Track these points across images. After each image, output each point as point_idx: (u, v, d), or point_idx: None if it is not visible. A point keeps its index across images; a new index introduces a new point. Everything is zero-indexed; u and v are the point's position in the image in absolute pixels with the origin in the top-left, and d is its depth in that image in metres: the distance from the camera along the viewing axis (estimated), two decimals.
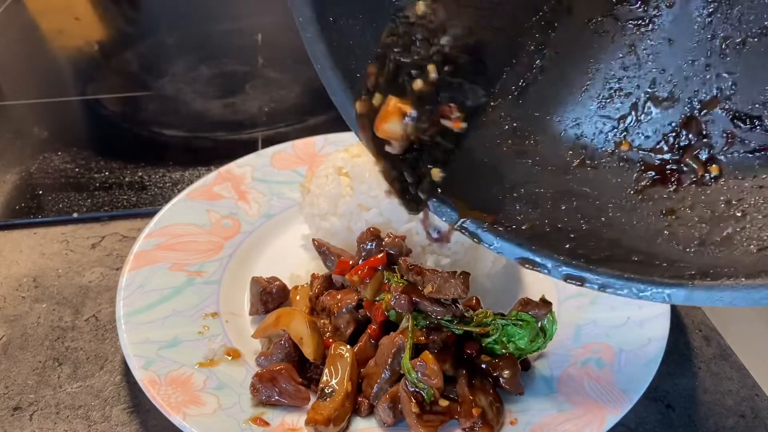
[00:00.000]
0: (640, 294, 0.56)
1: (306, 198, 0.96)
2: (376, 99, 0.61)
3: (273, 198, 1.03)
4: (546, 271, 0.59)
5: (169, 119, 1.38)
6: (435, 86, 0.60)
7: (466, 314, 0.75)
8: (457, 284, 0.71)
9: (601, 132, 0.68)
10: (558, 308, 0.80)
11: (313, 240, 0.89)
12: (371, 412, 0.72)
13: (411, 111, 0.59)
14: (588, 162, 0.67)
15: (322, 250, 0.88)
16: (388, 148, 0.60)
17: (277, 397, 0.72)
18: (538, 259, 0.59)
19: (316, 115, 1.37)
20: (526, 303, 0.75)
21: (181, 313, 0.83)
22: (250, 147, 1.17)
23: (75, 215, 1.08)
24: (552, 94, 0.69)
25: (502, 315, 0.75)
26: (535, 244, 0.60)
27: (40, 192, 1.14)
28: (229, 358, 0.78)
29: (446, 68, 0.60)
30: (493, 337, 0.73)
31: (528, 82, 0.70)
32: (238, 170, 1.05)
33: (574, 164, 0.67)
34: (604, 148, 0.68)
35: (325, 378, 0.73)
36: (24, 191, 1.15)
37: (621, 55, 0.67)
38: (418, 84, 0.59)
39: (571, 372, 0.75)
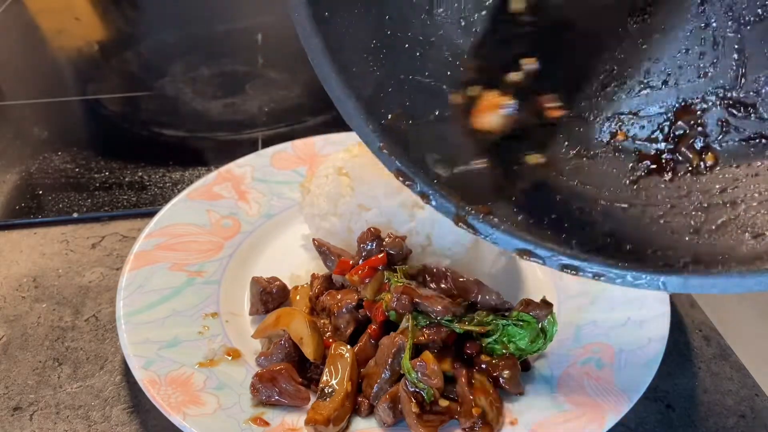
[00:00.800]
0: (636, 282, 0.56)
1: (306, 198, 0.96)
2: (473, 91, 0.61)
3: (273, 198, 1.03)
4: (541, 261, 0.60)
5: (169, 119, 1.38)
6: (532, 77, 0.60)
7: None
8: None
9: (596, 122, 0.68)
10: (558, 308, 0.80)
11: (314, 240, 0.89)
12: (371, 412, 0.72)
13: (509, 102, 0.59)
14: (583, 152, 0.67)
15: (323, 249, 0.88)
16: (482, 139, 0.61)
17: (277, 397, 0.72)
18: (533, 249, 0.60)
19: (316, 115, 1.37)
20: (528, 304, 0.75)
21: (181, 313, 0.83)
22: (250, 147, 1.17)
23: (75, 215, 1.08)
24: (547, 84, 0.69)
25: (503, 315, 0.75)
26: (531, 235, 0.60)
27: (40, 192, 1.14)
28: (229, 358, 0.78)
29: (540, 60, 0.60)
30: (494, 337, 0.73)
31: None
32: (238, 170, 1.05)
33: (570, 155, 0.67)
34: (599, 139, 0.68)
35: (325, 378, 0.73)
36: (24, 191, 1.15)
37: (615, 45, 0.67)
38: (514, 76, 0.59)
39: (571, 372, 0.75)
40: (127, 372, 0.81)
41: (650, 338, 0.76)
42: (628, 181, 0.64)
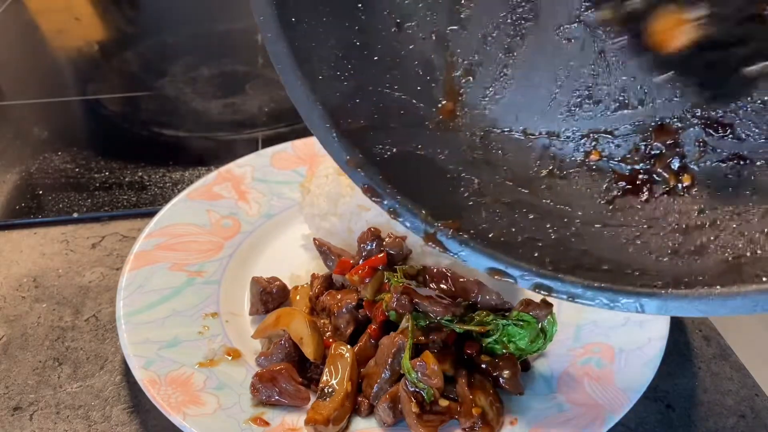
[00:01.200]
0: (612, 304, 0.55)
1: (306, 198, 0.96)
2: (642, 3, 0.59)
3: (273, 198, 1.03)
4: (513, 280, 0.58)
5: (169, 119, 1.38)
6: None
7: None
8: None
9: (570, 141, 0.67)
10: (558, 308, 0.80)
11: (314, 239, 0.90)
12: (371, 412, 0.72)
13: (698, 13, 0.57)
14: (557, 172, 0.66)
15: (323, 249, 0.88)
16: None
17: (277, 397, 0.72)
18: (504, 268, 0.58)
19: None
20: (528, 304, 0.75)
21: (181, 313, 0.83)
22: (250, 147, 1.17)
23: (75, 215, 1.08)
24: (519, 102, 0.68)
25: (503, 315, 0.75)
26: (502, 253, 0.59)
27: (40, 192, 1.14)
28: (229, 358, 0.78)
29: None
30: (494, 337, 0.73)
31: (495, 90, 0.69)
32: (238, 170, 1.05)
33: (542, 174, 0.66)
34: (573, 158, 0.66)
35: (325, 378, 0.73)
36: (24, 191, 1.15)
37: (591, 62, 0.66)
38: None
39: (571, 372, 0.75)
40: (127, 372, 0.81)
41: (650, 338, 0.76)
42: (603, 201, 0.63)
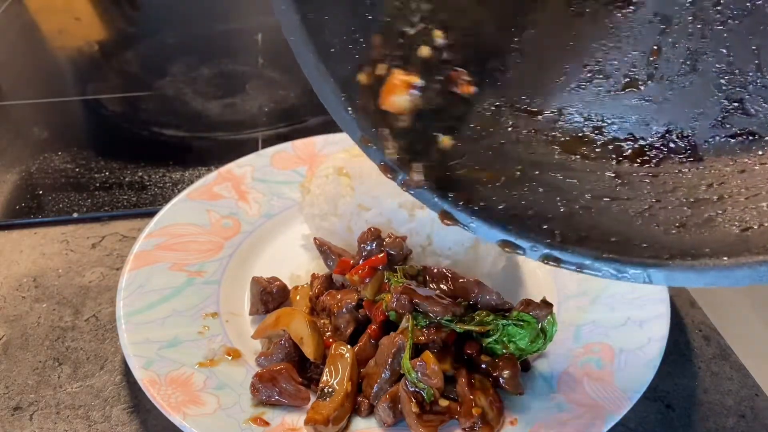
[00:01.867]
0: (619, 275, 0.55)
1: (306, 198, 0.96)
2: (380, 69, 0.59)
3: (273, 198, 1.03)
4: (522, 251, 0.59)
5: (169, 119, 1.38)
6: (441, 52, 0.59)
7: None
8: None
9: (579, 116, 0.67)
10: (558, 308, 0.80)
11: (315, 239, 0.90)
12: (371, 412, 0.72)
13: (418, 81, 0.58)
14: (566, 147, 0.67)
15: (323, 249, 0.88)
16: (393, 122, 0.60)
17: (277, 397, 0.72)
18: (514, 240, 0.59)
19: (316, 115, 1.37)
20: (528, 304, 0.75)
21: (181, 313, 0.83)
22: (250, 147, 1.17)
23: (75, 215, 1.08)
24: (531, 78, 0.68)
25: (503, 315, 0.75)
26: (512, 225, 0.59)
27: (40, 192, 1.14)
28: (229, 358, 0.78)
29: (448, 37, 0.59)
30: (494, 337, 0.73)
31: (507, 67, 0.69)
32: (238, 170, 1.05)
33: (551, 149, 0.67)
34: (582, 133, 0.67)
35: (325, 378, 0.73)
36: (24, 191, 1.15)
37: (602, 38, 0.66)
38: (423, 51, 0.58)
39: (571, 372, 0.75)
40: (127, 372, 0.81)
41: (650, 338, 0.76)
42: (611, 175, 0.64)
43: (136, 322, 0.79)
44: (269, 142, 1.17)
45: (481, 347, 0.74)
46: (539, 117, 0.68)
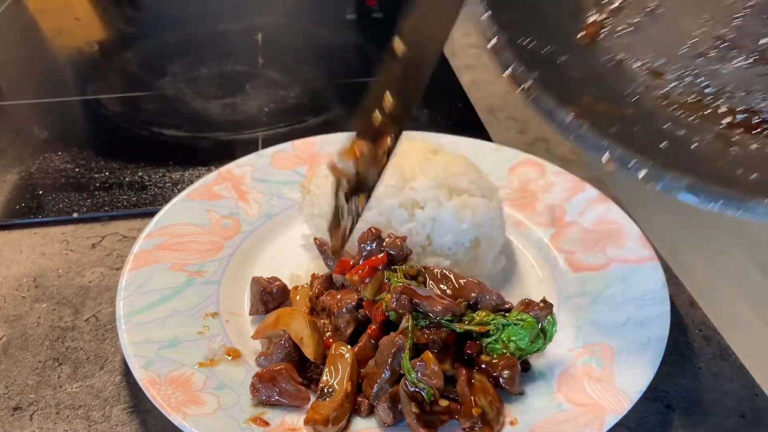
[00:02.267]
0: (740, 208, 0.55)
1: (306, 198, 0.96)
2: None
3: (273, 198, 1.03)
4: (627, 169, 0.59)
5: (169, 119, 1.38)
6: None
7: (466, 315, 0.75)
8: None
9: (697, 79, 0.68)
10: (558, 308, 0.80)
11: (315, 238, 0.90)
12: (371, 412, 0.72)
13: None
14: (684, 107, 0.67)
15: (323, 249, 0.88)
16: None
17: (277, 397, 0.72)
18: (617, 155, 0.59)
19: (316, 115, 1.36)
20: (528, 304, 0.75)
21: (181, 313, 0.83)
22: (250, 147, 1.17)
23: (75, 215, 1.08)
24: (658, 40, 0.70)
25: (503, 315, 0.75)
26: (621, 143, 0.59)
27: (40, 192, 1.14)
28: (229, 358, 0.78)
29: None
30: (494, 337, 0.73)
31: (636, 26, 0.72)
32: (238, 170, 1.05)
33: (663, 103, 0.67)
34: (696, 98, 0.67)
35: (325, 378, 0.73)
36: (24, 191, 1.15)
37: (738, 11, 0.68)
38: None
39: (571, 372, 0.75)
40: (127, 372, 0.81)
41: (650, 338, 0.76)
42: (716, 137, 0.64)
43: (136, 322, 0.79)
44: (269, 142, 1.17)
45: (481, 347, 0.74)
46: (658, 81, 0.69)
